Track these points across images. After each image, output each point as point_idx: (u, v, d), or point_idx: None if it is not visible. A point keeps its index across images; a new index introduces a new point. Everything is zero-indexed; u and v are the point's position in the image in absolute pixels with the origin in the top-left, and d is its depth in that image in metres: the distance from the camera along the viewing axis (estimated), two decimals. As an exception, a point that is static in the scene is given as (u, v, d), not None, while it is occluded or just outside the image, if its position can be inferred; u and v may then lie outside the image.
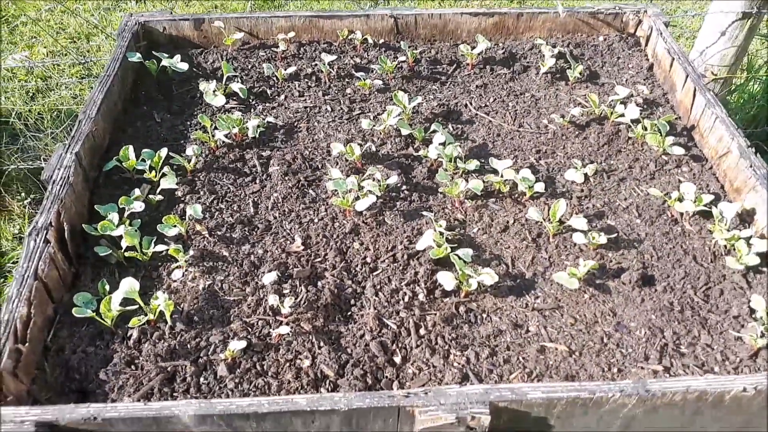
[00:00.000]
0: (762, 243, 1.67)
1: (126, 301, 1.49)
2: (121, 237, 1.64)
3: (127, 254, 1.63)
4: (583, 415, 1.31)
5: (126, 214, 1.73)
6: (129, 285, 1.49)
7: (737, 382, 1.29)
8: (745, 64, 3.48)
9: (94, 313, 1.46)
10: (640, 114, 2.15)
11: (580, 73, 2.35)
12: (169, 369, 1.40)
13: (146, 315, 1.48)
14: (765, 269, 1.67)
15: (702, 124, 2.08)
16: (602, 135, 2.12)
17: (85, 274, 1.63)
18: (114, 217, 1.70)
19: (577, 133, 2.14)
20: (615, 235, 1.77)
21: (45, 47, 3.99)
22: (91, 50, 4.05)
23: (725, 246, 1.73)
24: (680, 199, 1.85)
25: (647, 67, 2.43)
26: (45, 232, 1.54)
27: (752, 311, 1.57)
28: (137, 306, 1.49)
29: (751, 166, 1.82)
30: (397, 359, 1.47)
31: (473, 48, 2.42)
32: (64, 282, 1.57)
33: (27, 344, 1.36)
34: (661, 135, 2.03)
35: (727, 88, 3.40)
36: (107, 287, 1.55)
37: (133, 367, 1.41)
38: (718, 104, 2.04)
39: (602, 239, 1.71)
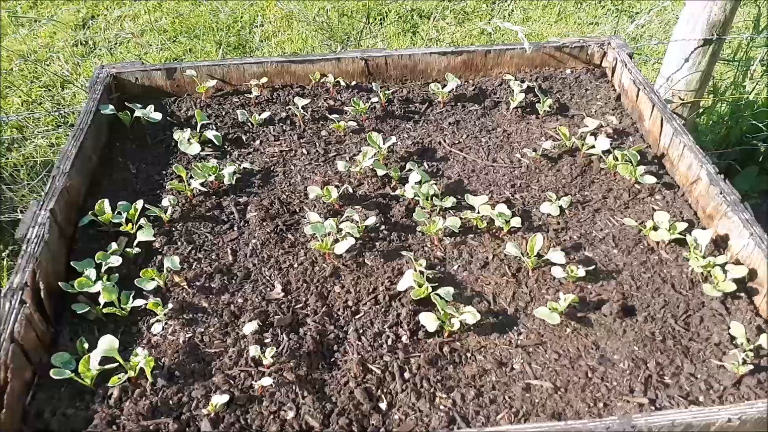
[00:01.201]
0: (737, 269, 1.70)
1: (106, 359, 1.47)
2: (99, 293, 1.62)
3: (105, 310, 1.61)
4: (571, 453, 1.30)
5: (103, 269, 1.71)
6: (108, 343, 1.47)
7: (722, 413, 1.30)
8: (710, 87, 3.58)
9: (73, 374, 1.43)
10: (611, 144, 2.19)
11: (550, 107, 2.40)
12: (151, 428, 1.37)
13: (126, 372, 1.46)
14: (742, 295, 1.70)
15: (671, 153, 2.12)
16: (575, 167, 2.16)
17: (63, 332, 1.60)
18: (91, 272, 1.68)
19: (550, 165, 2.17)
20: (593, 266, 1.79)
21: (19, 97, 3.98)
22: (66, 98, 4.05)
23: (702, 273, 1.76)
24: (655, 228, 1.88)
25: (615, 98, 2.48)
26: (20, 292, 1.52)
27: (732, 338, 1.59)
28: (117, 364, 1.47)
29: (721, 193, 1.86)
30: (383, 405, 1.46)
31: (444, 86, 2.46)
32: (42, 342, 1.54)
33: (4, 411, 1.33)
34: (632, 165, 2.07)
35: (695, 111, 3.48)
36: (86, 345, 1.52)
37: (114, 427, 1.38)
38: (685, 132, 2.08)
39: (581, 272, 1.73)
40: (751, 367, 1.49)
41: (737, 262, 1.75)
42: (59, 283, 1.64)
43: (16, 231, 1.69)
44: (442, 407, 1.45)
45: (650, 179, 2.05)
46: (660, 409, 1.44)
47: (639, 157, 2.10)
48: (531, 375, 1.53)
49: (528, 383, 1.51)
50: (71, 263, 1.71)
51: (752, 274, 1.70)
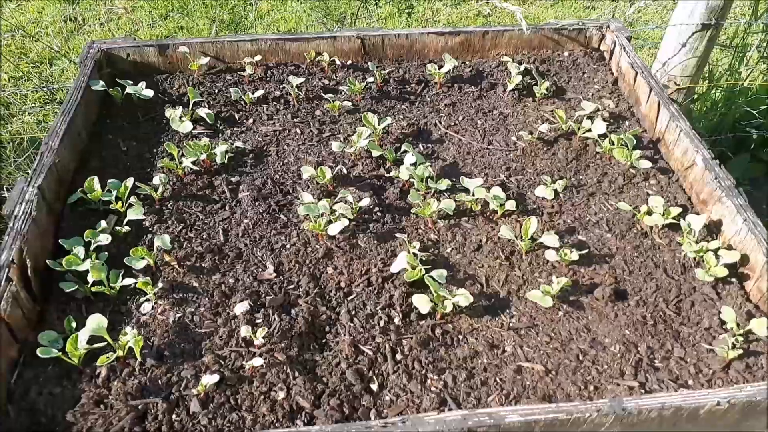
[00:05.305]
0: (729, 254, 1.70)
1: (93, 339, 1.46)
2: (87, 271, 1.60)
3: (94, 289, 1.59)
4: (561, 436, 1.30)
5: (92, 247, 1.69)
6: (96, 322, 1.45)
7: (711, 396, 1.30)
8: (706, 73, 3.56)
9: (61, 353, 1.42)
10: (607, 128, 2.17)
11: (547, 89, 2.38)
12: (139, 407, 1.36)
13: (115, 352, 1.44)
14: (734, 280, 1.70)
15: (667, 137, 2.11)
16: (570, 150, 2.14)
17: (50, 310, 1.59)
18: (80, 250, 1.66)
19: (545, 149, 2.16)
20: (586, 250, 1.78)
21: (6, 73, 3.92)
22: (55, 75, 3.98)
23: (694, 258, 1.76)
24: (649, 213, 1.87)
25: (612, 81, 2.46)
26: (7, 270, 1.50)
27: (723, 322, 1.59)
28: (105, 343, 1.45)
29: (716, 178, 1.85)
30: (374, 386, 1.46)
31: (440, 67, 2.43)
32: (28, 320, 1.52)
33: (-10, 389, 1.32)
34: (628, 149, 2.06)
35: (690, 97, 3.47)
36: (74, 324, 1.50)
37: (102, 406, 1.37)
38: (682, 117, 2.07)
39: (574, 255, 1.72)
40: (740, 351, 1.49)
41: (730, 248, 1.75)
42: (47, 261, 1.62)
43: (3, 208, 1.66)
44: (433, 389, 1.45)
45: (645, 164, 2.04)
46: (650, 392, 1.44)
47: (635, 142, 2.08)
48: (522, 357, 1.53)
49: (519, 365, 1.51)
50: (59, 241, 1.69)
51: (744, 259, 1.70)
